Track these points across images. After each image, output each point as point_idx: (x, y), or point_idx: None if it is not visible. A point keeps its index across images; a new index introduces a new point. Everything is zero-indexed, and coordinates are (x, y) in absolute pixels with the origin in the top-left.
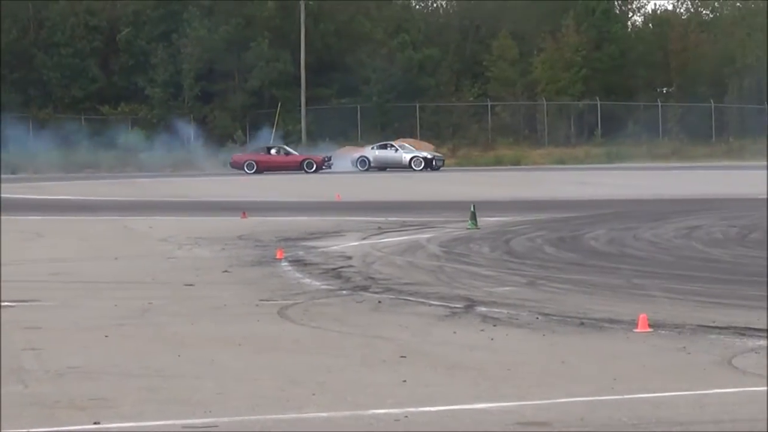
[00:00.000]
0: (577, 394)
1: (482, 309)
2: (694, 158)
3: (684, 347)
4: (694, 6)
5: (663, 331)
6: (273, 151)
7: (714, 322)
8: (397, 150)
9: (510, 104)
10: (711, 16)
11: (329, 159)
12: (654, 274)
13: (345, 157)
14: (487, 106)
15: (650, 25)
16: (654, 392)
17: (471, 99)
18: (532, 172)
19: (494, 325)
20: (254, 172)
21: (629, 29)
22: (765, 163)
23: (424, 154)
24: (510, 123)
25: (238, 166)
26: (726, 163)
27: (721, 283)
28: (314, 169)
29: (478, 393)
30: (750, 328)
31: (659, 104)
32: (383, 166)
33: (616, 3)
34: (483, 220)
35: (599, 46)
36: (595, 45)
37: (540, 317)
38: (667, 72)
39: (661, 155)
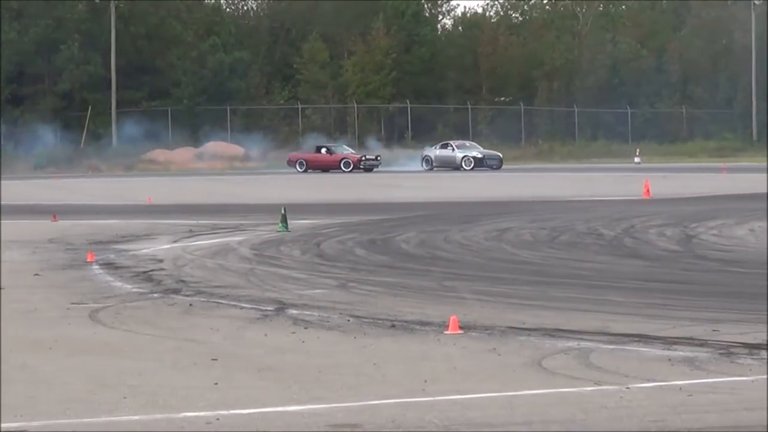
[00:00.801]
0: (388, 396)
1: (293, 312)
2: (504, 161)
3: (494, 348)
4: (504, 9)
5: (473, 333)
6: (323, 150)
7: (524, 323)
8: (453, 149)
9: (320, 107)
10: (520, 19)
11: (376, 158)
12: (464, 276)
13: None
14: (297, 108)
15: (460, 28)
16: (465, 394)
17: (281, 102)
18: (342, 175)
19: (305, 328)
20: (303, 171)
21: (439, 32)
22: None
23: (475, 153)
24: (321, 125)
25: (291, 164)
26: (536, 165)
27: (530, 285)
28: (351, 168)
29: (289, 395)
30: (560, 330)
31: (469, 107)
32: (443, 166)
33: (425, 6)
34: (294, 223)
35: (409, 48)
36: (405, 48)
37: (351, 319)
38: (477, 75)
39: None
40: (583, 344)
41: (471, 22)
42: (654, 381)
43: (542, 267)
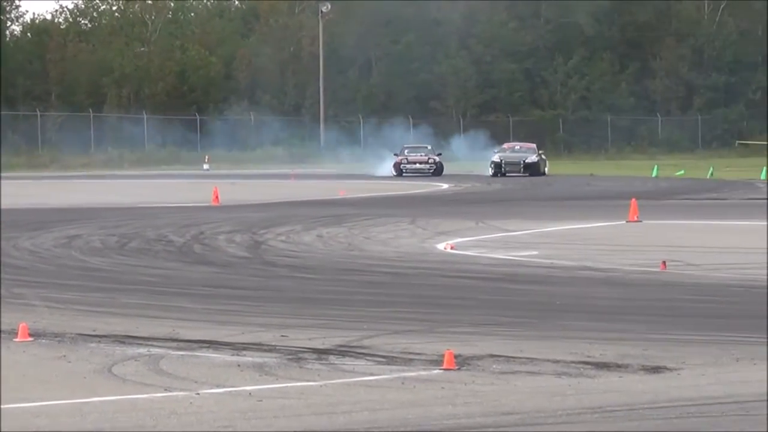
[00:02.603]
0: None
1: None
2: (72, 167)
3: (64, 356)
4: (73, 16)
5: (43, 340)
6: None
7: (94, 330)
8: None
9: None
10: (89, 25)
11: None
12: (34, 283)
13: None
14: None
15: (28, 34)
16: (34, 401)
17: None
18: None
19: None
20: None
21: (8, 38)
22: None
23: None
24: None
25: (396, 170)
26: (105, 172)
27: (100, 292)
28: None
29: None
30: (130, 336)
31: (38, 114)
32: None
33: None
34: None
35: None
36: None
37: None
38: (46, 81)
39: (40, 164)
40: (153, 351)
41: (39, 29)
42: (223, 387)
43: (112, 274)
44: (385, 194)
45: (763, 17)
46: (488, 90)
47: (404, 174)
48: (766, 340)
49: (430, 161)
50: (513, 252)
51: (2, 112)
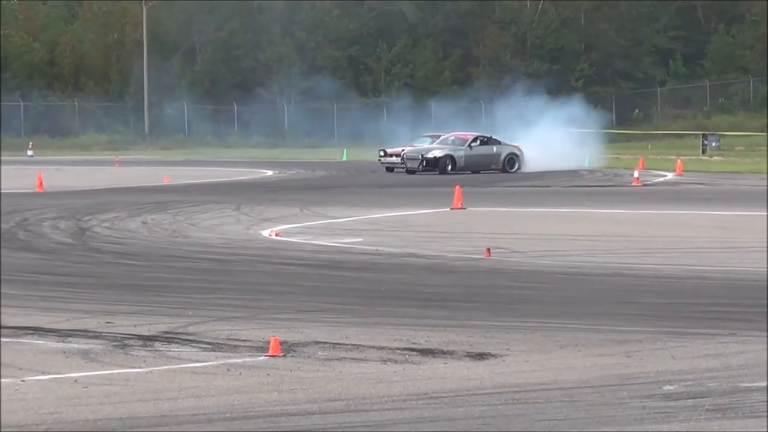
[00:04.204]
0: None
1: None
2: None
3: None
4: None
5: None
6: None
7: None
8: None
9: None
10: None
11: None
12: None
13: None
14: None
15: None
16: None
17: None
18: None
19: None
20: None
21: None
22: None
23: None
24: None
25: None
26: None
27: None
28: None
29: None
30: None
31: None
32: None
33: None
34: None
35: None
36: None
37: None
38: None
39: None
40: None
41: None
42: (49, 373)
43: None
44: (210, 181)
45: (582, 5)
46: (313, 77)
47: None
48: (586, 326)
49: None
50: (338, 239)
51: None
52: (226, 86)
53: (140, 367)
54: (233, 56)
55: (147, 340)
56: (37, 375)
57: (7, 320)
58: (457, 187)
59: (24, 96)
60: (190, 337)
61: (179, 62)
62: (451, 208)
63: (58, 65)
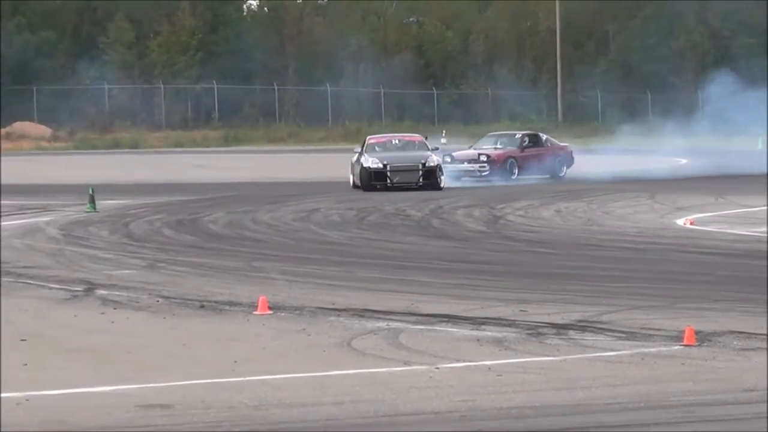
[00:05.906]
0: (198, 377)
1: (102, 292)
2: (310, 141)
3: (304, 329)
4: None
5: (283, 314)
6: None
7: (333, 304)
8: None
9: (127, 87)
10: (326, 0)
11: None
12: (273, 256)
13: None
14: (104, 89)
15: (266, 8)
16: (275, 374)
17: (88, 82)
18: (150, 155)
19: (115, 308)
20: None
21: (245, 12)
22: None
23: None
24: (128, 106)
25: None
26: (342, 146)
27: (339, 266)
28: None
29: (99, 376)
30: (369, 310)
31: (276, 88)
32: None
33: None
34: (102, 204)
35: (215, 29)
36: (210, 28)
37: (160, 300)
38: (283, 55)
39: (278, 138)
40: (393, 324)
41: (276, 3)
42: (463, 361)
43: (350, 248)
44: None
45: None
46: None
47: None
48: None
49: None
50: (755, 228)
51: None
52: (640, 74)
53: (554, 356)
54: (646, 44)
55: (561, 328)
56: (451, 362)
57: (422, 307)
58: None
59: (437, 84)
60: (604, 326)
61: (592, 49)
62: None
63: (471, 53)
